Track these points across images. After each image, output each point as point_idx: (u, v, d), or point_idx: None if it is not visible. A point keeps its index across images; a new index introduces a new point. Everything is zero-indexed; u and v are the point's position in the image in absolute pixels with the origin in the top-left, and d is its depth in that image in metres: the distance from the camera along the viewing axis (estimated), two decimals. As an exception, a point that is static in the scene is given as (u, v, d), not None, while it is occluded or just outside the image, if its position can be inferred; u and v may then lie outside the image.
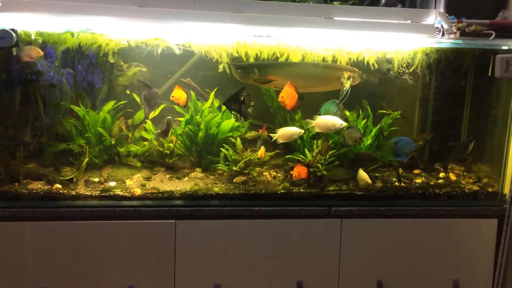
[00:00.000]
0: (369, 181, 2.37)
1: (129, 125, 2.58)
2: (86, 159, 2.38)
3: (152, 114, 2.49)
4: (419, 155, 2.73)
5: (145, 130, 2.57)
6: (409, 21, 2.19)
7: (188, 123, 2.55)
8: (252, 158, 2.42)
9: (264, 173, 2.55)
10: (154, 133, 2.49)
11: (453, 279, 2.36)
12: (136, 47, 2.35)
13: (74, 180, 2.32)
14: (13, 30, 2.00)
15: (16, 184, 2.26)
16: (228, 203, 2.26)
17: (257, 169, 2.49)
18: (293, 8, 2.14)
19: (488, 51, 2.38)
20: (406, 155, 2.37)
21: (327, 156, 2.41)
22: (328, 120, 2.32)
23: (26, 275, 2.14)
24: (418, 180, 2.57)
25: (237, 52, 2.32)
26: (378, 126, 2.57)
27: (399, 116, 2.62)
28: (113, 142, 2.49)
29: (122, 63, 2.54)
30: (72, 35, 2.24)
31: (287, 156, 2.55)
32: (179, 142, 2.58)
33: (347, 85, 2.32)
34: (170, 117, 2.38)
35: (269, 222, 2.26)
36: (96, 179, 2.36)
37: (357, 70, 2.39)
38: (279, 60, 2.37)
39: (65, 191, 2.23)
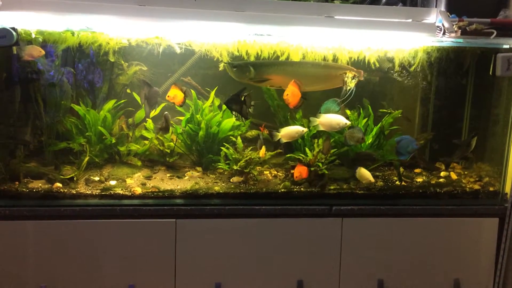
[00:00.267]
0: (372, 179, 2.37)
1: (130, 124, 2.57)
2: (87, 158, 2.38)
3: (153, 113, 2.49)
4: (420, 154, 2.72)
5: (146, 129, 2.57)
6: (410, 20, 2.19)
7: (189, 122, 2.54)
8: (252, 157, 2.42)
9: (265, 172, 2.54)
10: (155, 130, 2.49)
11: (454, 278, 2.36)
12: (137, 46, 2.35)
13: (75, 179, 2.32)
14: (13, 28, 1.99)
15: (17, 183, 2.26)
16: (228, 202, 2.26)
17: (257, 168, 2.49)
18: (294, 6, 2.14)
19: (489, 50, 2.38)
20: (408, 153, 2.36)
21: (328, 155, 2.40)
22: (332, 118, 2.32)
23: (27, 274, 2.14)
24: (419, 179, 2.57)
25: (238, 51, 2.32)
26: (379, 125, 2.57)
27: (399, 115, 2.62)
28: (113, 141, 2.49)
29: (123, 62, 2.53)
30: (73, 33, 2.24)
31: (288, 155, 2.55)
32: (180, 141, 2.58)
33: (352, 85, 2.32)
34: (166, 112, 2.40)
35: (269, 221, 2.25)
36: (97, 178, 2.36)
37: (354, 69, 2.38)
38: (280, 59, 2.37)
39: (66, 190, 2.23)
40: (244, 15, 2.07)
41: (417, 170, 2.69)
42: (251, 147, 2.50)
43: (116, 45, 2.33)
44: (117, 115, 2.54)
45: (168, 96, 2.30)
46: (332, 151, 2.43)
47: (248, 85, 2.35)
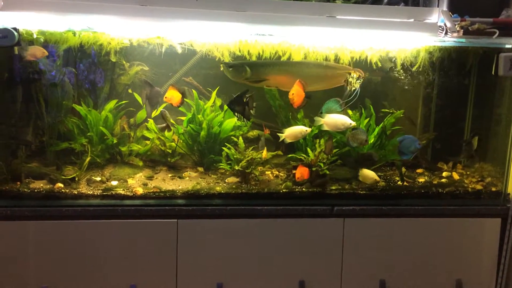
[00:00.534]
0: (377, 178, 2.36)
1: (131, 124, 2.57)
2: (88, 158, 2.38)
3: (155, 113, 2.49)
4: (422, 154, 2.72)
5: (147, 129, 2.56)
6: (412, 20, 2.18)
7: (191, 122, 2.54)
8: (254, 157, 2.41)
9: (266, 172, 2.54)
10: (158, 129, 2.50)
11: (456, 278, 2.36)
12: (138, 46, 2.35)
13: (76, 179, 2.32)
14: (15, 29, 2.00)
15: (18, 183, 2.26)
16: (230, 203, 2.26)
17: (259, 168, 2.49)
18: (295, 6, 2.14)
19: (491, 49, 2.37)
20: (411, 153, 2.36)
21: (330, 155, 2.40)
22: (337, 118, 2.31)
23: (28, 274, 2.14)
24: (421, 180, 2.57)
25: (240, 51, 2.31)
26: (380, 125, 2.57)
27: (401, 115, 2.61)
28: (115, 141, 2.49)
29: (124, 62, 2.53)
30: (74, 34, 2.24)
31: (289, 156, 2.55)
32: (181, 141, 2.57)
33: (356, 85, 2.31)
34: (163, 109, 2.41)
35: (271, 221, 2.25)
36: (98, 178, 2.36)
37: (352, 68, 2.38)
38: (282, 59, 2.36)
39: (67, 190, 2.23)
40: (246, 15, 2.07)
41: (419, 170, 2.69)
42: (252, 147, 2.50)
43: (117, 45, 2.33)
44: (119, 115, 2.54)
45: (166, 97, 2.30)
46: (334, 151, 2.42)
47: (244, 85, 2.35)
